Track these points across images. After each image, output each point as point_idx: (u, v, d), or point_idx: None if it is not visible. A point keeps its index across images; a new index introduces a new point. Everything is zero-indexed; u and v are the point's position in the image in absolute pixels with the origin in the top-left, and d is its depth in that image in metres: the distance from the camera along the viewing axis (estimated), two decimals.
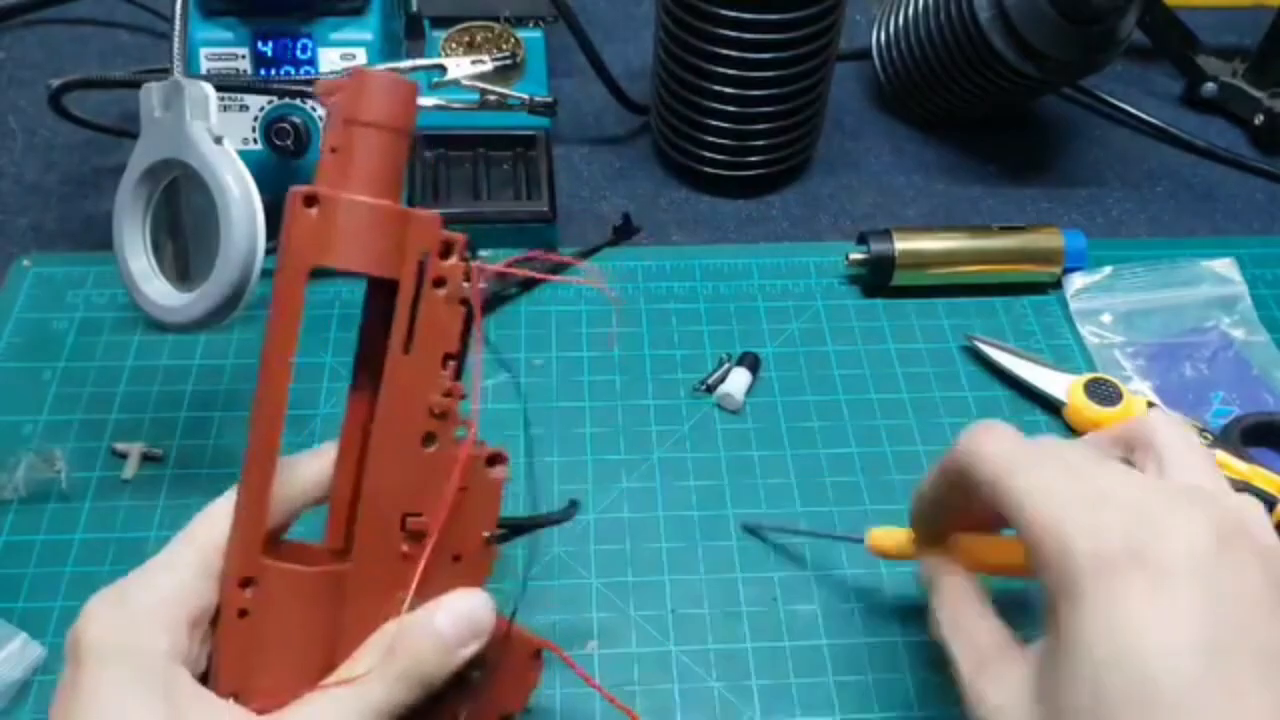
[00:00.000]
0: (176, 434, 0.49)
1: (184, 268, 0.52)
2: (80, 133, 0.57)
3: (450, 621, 0.30)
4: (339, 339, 0.53)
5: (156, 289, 0.51)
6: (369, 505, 0.30)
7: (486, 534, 0.31)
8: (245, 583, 0.30)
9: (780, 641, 0.43)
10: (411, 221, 0.29)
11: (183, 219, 0.51)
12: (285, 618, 0.30)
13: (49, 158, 0.62)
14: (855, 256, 0.56)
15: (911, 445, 0.50)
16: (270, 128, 0.52)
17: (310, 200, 0.29)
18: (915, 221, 0.62)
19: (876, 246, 0.55)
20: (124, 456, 0.47)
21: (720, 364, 0.52)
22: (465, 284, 0.30)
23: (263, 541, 0.30)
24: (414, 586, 0.30)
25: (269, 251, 0.50)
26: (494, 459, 0.31)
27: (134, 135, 0.46)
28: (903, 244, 0.55)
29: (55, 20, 0.71)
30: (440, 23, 0.61)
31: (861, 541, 0.41)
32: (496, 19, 0.61)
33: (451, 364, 0.31)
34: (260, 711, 0.29)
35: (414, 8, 0.61)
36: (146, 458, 0.48)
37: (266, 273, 0.50)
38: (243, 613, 0.30)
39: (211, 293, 0.46)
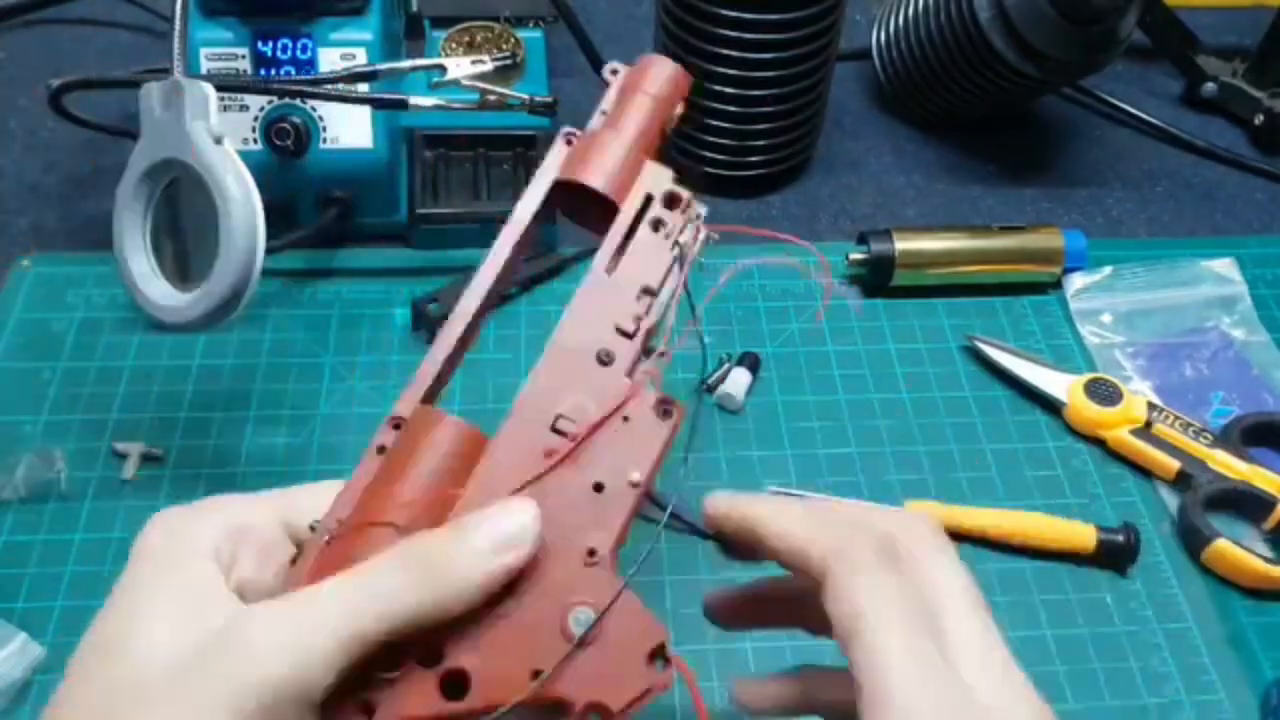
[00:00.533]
0: (176, 434, 0.48)
1: (184, 268, 0.52)
2: (80, 133, 0.57)
3: (481, 520, 0.27)
4: (339, 339, 0.53)
5: (156, 289, 0.51)
6: (528, 394, 0.29)
7: (636, 476, 0.29)
8: (396, 423, 0.29)
9: (780, 642, 0.42)
10: (647, 168, 0.32)
11: (183, 219, 0.51)
12: (416, 467, 0.28)
13: (49, 158, 0.62)
14: (855, 256, 0.56)
15: (911, 445, 0.50)
16: (270, 128, 0.51)
17: (569, 138, 0.33)
18: (915, 221, 0.62)
19: (876, 246, 0.55)
20: (124, 456, 0.47)
21: (720, 364, 0.52)
22: (683, 236, 0.31)
23: (426, 393, 0.30)
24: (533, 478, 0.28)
25: (269, 251, 0.50)
26: (665, 406, 0.30)
27: (134, 135, 0.46)
28: (903, 244, 0.55)
29: (55, 20, 0.71)
30: (440, 22, 0.61)
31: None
32: (497, 19, 0.60)
33: (647, 299, 0.31)
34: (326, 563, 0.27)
35: (414, 8, 0.61)
36: (146, 458, 0.48)
37: (266, 273, 0.50)
38: (381, 449, 0.29)
39: (211, 293, 0.46)
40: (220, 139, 0.49)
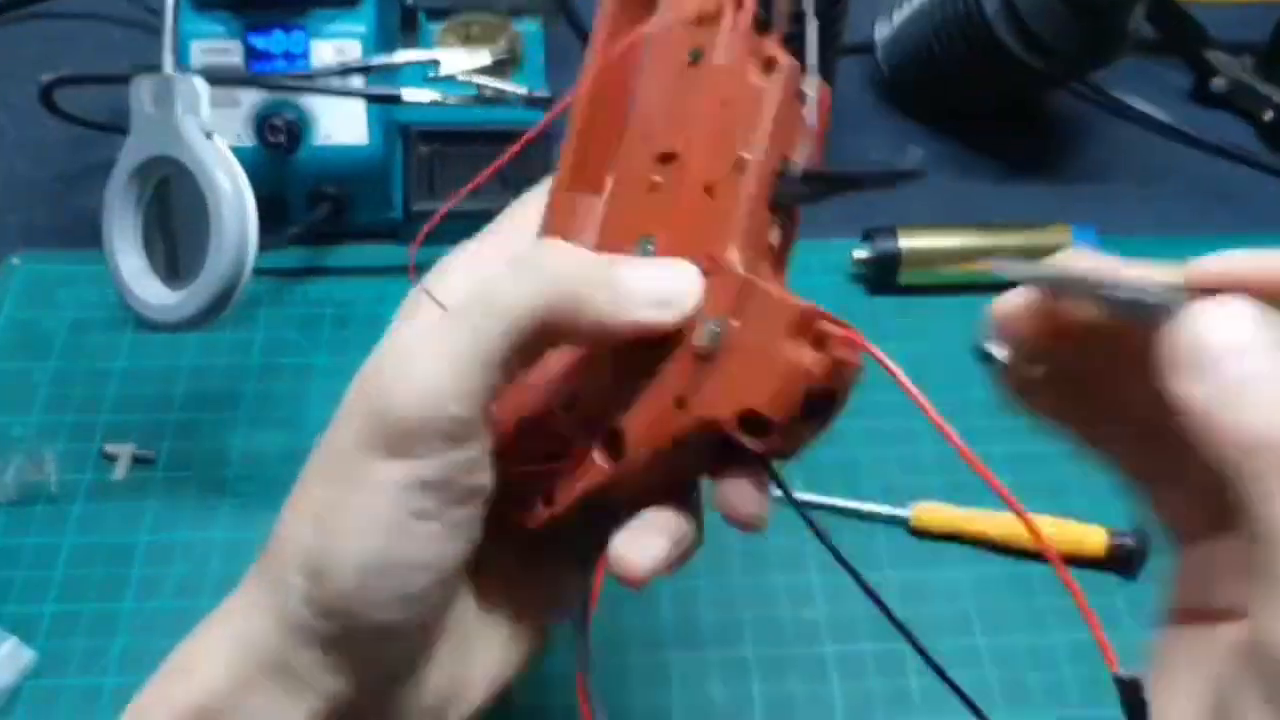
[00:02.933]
0: (168, 436, 0.48)
1: (175, 266, 0.51)
2: (71, 129, 0.56)
3: (636, 274, 0.25)
4: (332, 339, 0.52)
5: (147, 288, 0.50)
6: (630, 128, 0.27)
7: (747, 155, 0.25)
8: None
9: (780, 649, 0.42)
10: None
11: (174, 216, 0.51)
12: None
13: (40, 154, 0.61)
14: (860, 254, 0.55)
15: (917, 446, 0.49)
16: (262, 123, 0.51)
17: None
18: (921, 219, 0.61)
19: (882, 244, 0.55)
20: (114, 458, 0.47)
21: None
22: None
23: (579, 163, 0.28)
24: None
25: (261, 249, 0.49)
26: (768, 61, 0.25)
27: (126, 131, 0.46)
28: (908, 242, 0.55)
29: (46, 15, 0.70)
30: (436, 15, 0.60)
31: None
32: (494, 11, 0.60)
33: None
34: None
35: (409, 0, 0.60)
36: (137, 459, 0.47)
37: (258, 271, 0.49)
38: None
39: (202, 291, 0.45)
40: (211, 134, 0.48)
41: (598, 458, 0.26)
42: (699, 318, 0.25)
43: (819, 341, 0.24)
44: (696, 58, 0.26)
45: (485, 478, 0.25)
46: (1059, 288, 0.24)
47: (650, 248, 0.26)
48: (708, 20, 0.26)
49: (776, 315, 0.24)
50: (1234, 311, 0.20)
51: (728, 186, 0.25)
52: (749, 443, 0.24)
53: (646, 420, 0.25)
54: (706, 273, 0.25)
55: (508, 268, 0.25)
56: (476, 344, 0.24)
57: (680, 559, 0.27)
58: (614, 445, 0.26)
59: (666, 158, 0.26)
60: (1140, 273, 0.22)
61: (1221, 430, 0.19)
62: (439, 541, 0.25)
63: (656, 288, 0.25)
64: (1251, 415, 0.19)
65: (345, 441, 0.25)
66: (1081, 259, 0.24)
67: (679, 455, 0.25)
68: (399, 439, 0.24)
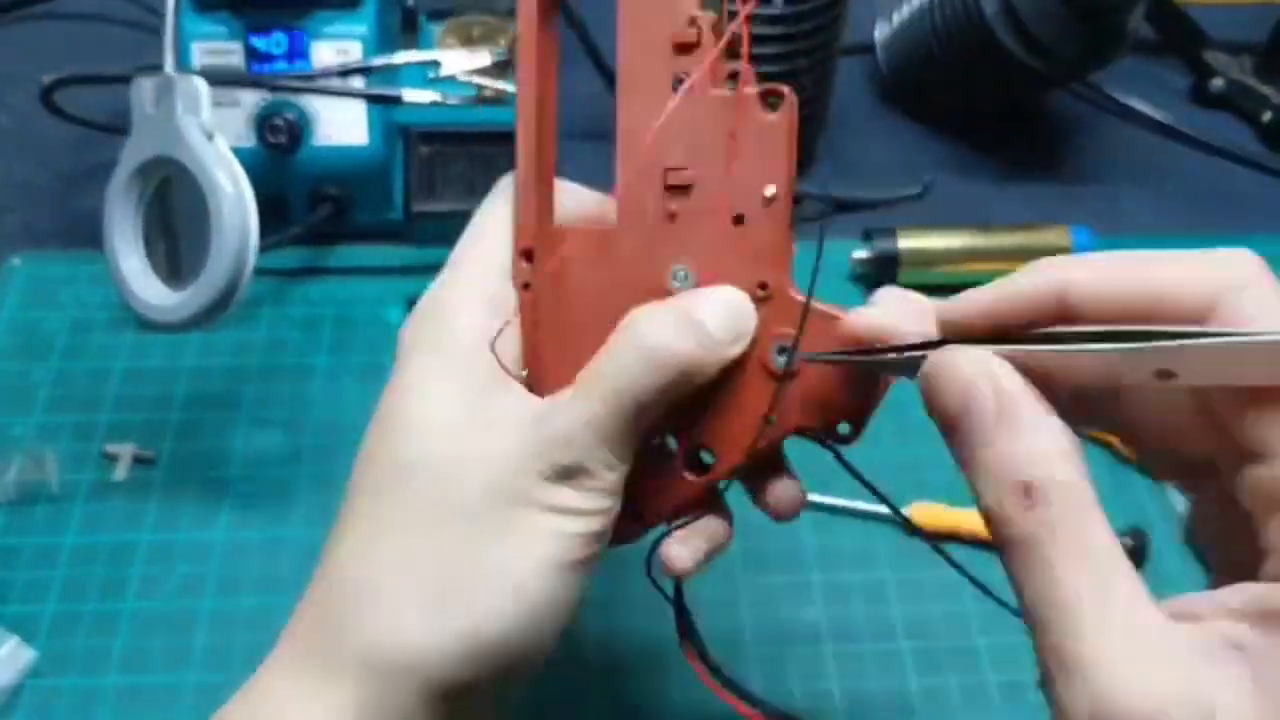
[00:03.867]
0: (168, 436, 0.48)
1: (176, 266, 0.51)
2: (72, 130, 0.56)
3: (715, 310, 0.27)
4: (333, 339, 0.52)
5: (148, 288, 0.51)
6: (625, 157, 0.28)
7: (771, 191, 0.27)
8: (526, 254, 0.29)
9: (780, 647, 0.42)
10: None
11: (174, 217, 0.50)
12: (564, 289, 0.29)
13: (41, 155, 0.61)
14: (860, 255, 0.55)
15: (916, 448, 0.49)
16: (263, 124, 0.51)
17: None
18: (920, 219, 0.61)
19: (881, 244, 0.55)
20: (115, 458, 0.47)
21: None
22: None
23: (542, 211, 0.29)
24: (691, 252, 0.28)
25: (262, 249, 0.49)
26: (771, 97, 0.27)
27: (127, 132, 0.46)
28: (907, 242, 0.55)
29: (47, 16, 0.70)
30: (437, 16, 0.60)
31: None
32: (494, 13, 0.60)
33: None
34: (544, 394, 0.28)
35: (409, 1, 0.60)
36: (138, 459, 0.47)
37: (259, 271, 0.49)
38: (526, 285, 0.29)
39: (203, 292, 0.45)
40: (212, 135, 0.48)
41: (680, 473, 0.29)
42: (763, 340, 0.28)
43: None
44: (677, 85, 0.28)
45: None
46: (845, 363, 0.28)
47: (685, 275, 0.28)
48: (685, 49, 0.28)
49: (840, 337, 0.28)
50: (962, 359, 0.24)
51: (761, 218, 0.27)
52: (835, 445, 0.29)
53: (734, 436, 0.29)
54: (759, 299, 0.28)
55: (620, 346, 0.27)
56: (604, 437, 0.27)
57: (717, 555, 0.31)
58: (697, 462, 0.29)
59: (679, 189, 0.28)
60: (900, 326, 0.27)
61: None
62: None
63: (733, 325, 0.28)
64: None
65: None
66: (867, 316, 0.28)
67: (749, 464, 0.29)
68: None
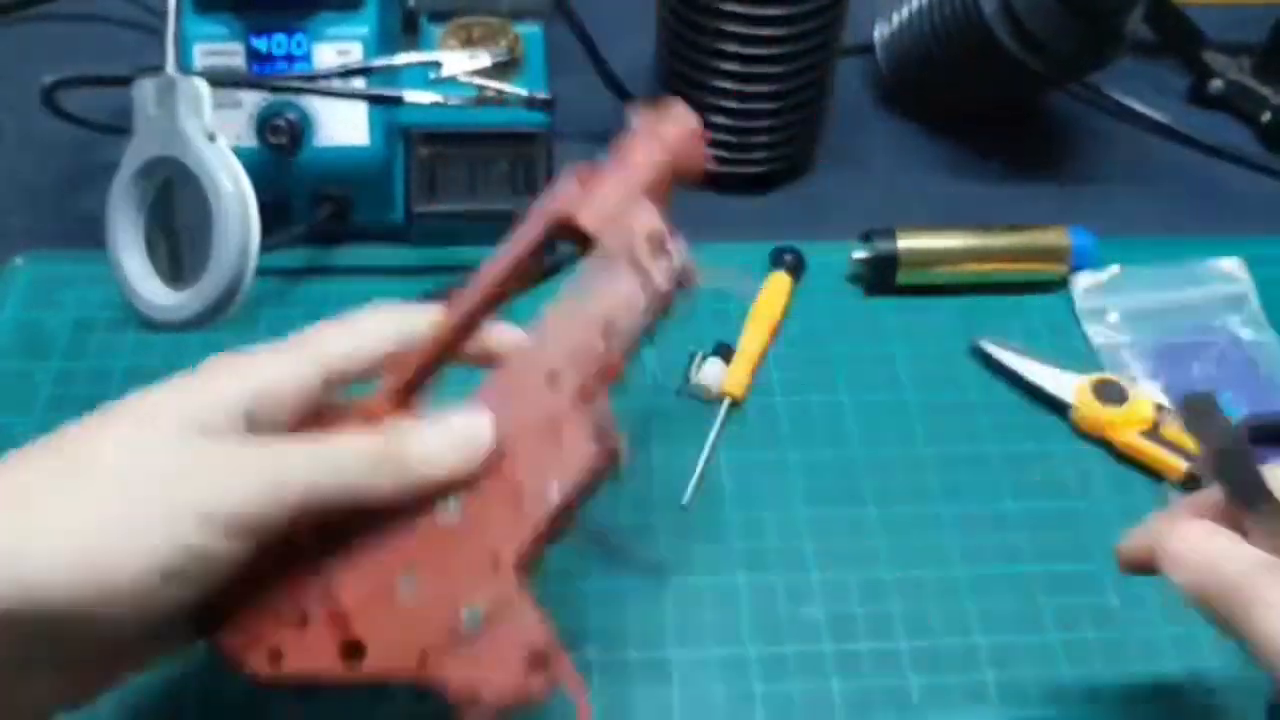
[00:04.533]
0: None
1: (178, 267, 0.51)
2: (74, 130, 0.56)
3: (440, 419, 0.31)
4: None
5: (150, 288, 0.51)
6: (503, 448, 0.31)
7: (555, 496, 0.30)
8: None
9: (780, 646, 0.42)
10: (642, 207, 0.33)
11: (176, 217, 0.51)
12: None
13: (43, 156, 0.61)
14: (859, 255, 0.55)
15: (916, 448, 0.49)
16: (265, 125, 0.51)
17: (580, 175, 0.34)
18: (920, 219, 0.61)
19: (880, 245, 0.55)
20: None
21: (691, 359, 0.51)
22: (660, 279, 0.32)
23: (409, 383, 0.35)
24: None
25: (263, 250, 0.49)
26: (600, 433, 0.31)
27: (128, 133, 0.46)
28: (906, 242, 0.55)
29: (49, 17, 0.70)
30: (438, 17, 0.60)
31: None
32: (495, 14, 0.60)
33: (609, 336, 0.32)
34: None
35: (411, 2, 0.60)
36: None
37: (260, 272, 0.49)
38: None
39: (205, 292, 0.45)
40: (214, 136, 0.48)
41: (332, 647, 0.30)
42: (471, 598, 0.29)
43: (543, 669, 0.29)
44: (554, 382, 0.32)
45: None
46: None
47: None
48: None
49: (526, 639, 0.29)
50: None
51: (533, 506, 0.31)
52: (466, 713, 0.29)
53: (389, 651, 0.30)
54: (488, 567, 0.30)
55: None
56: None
57: None
58: (353, 650, 0.30)
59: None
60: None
61: None
62: None
63: (456, 433, 0.31)
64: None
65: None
66: None
67: (398, 681, 0.30)
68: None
